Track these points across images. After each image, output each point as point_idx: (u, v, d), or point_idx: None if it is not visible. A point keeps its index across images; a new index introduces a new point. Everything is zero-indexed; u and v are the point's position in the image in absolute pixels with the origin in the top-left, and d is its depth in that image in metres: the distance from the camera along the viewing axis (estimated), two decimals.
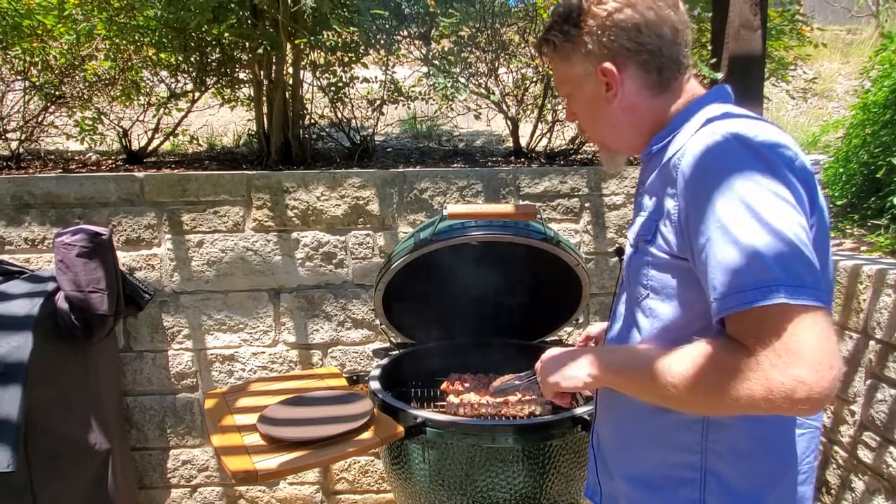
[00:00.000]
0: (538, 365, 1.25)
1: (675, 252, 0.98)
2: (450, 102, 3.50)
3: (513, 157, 3.55)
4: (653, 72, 1.06)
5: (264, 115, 3.34)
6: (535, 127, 3.55)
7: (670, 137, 1.06)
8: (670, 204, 0.98)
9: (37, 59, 3.16)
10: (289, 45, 3.06)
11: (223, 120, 4.44)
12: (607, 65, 1.06)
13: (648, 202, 1.06)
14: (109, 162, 3.50)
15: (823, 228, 0.98)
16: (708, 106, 1.05)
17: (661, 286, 1.02)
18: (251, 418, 1.70)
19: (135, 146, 3.48)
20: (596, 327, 1.59)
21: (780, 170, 0.88)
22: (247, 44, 3.05)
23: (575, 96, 1.16)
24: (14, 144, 3.38)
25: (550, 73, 2.85)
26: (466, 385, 2.02)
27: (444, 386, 2.06)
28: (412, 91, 3.67)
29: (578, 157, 3.51)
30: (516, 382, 1.47)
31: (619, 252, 1.21)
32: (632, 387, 1.04)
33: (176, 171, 3.10)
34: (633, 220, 1.13)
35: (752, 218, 0.84)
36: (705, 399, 0.89)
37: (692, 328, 0.97)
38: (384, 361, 2.08)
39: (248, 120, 3.82)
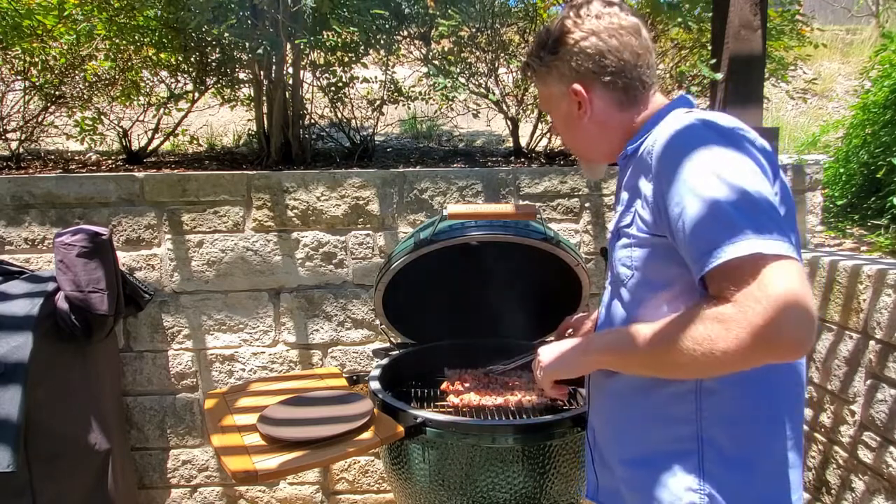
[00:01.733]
0: (534, 362, 1.33)
1: (652, 230, 1.06)
2: (450, 102, 3.50)
3: (513, 157, 3.55)
4: (618, 90, 1.19)
5: (264, 115, 3.34)
6: (535, 127, 3.55)
7: (641, 139, 1.17)
8: (646, 187, 1.07)
9: (37, 59, 3.16)
10: (289, 45, 3.06)
11: (223, 120, 4.44)
12: (576, 86, 1.20)
13: (625, 196, 1.17)
14: (109, 162, 3.50)
15: (787, 203, 1.05)
16: (674, 110, 1.17)
17: (641, 265, 1.10)
18: (251, 418, 1.70)
19: (135, 146, 3.48)
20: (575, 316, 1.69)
21: (743, 144, 1.00)
22: (247, 44, 3.05)
23: (554, 113, 1.31)
24: (14, 144, 3.38)
25: None
26: (466, 385, 2.02)
27: (444, 386, 2.06)
28: (412, 91, 3.67)
29: None
30: (515, 359, 1.53)
31: (605, 252, 1.32)
32: (625, 362, 1.11)
33: (176, 171, 3.10)
34: (614, 216, 1.22)
35: (719, 181, 0.93)
36: (699, 358, 0.93)
37: (676, 303, 1.04)
38: (384, 361, 2.08)
39: (248, 120, 3.82)
